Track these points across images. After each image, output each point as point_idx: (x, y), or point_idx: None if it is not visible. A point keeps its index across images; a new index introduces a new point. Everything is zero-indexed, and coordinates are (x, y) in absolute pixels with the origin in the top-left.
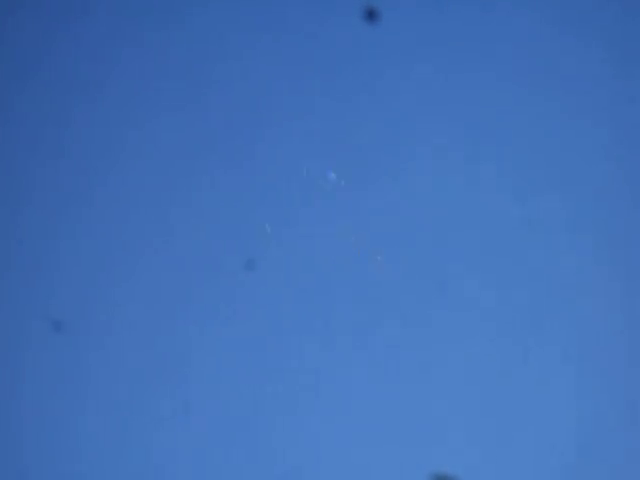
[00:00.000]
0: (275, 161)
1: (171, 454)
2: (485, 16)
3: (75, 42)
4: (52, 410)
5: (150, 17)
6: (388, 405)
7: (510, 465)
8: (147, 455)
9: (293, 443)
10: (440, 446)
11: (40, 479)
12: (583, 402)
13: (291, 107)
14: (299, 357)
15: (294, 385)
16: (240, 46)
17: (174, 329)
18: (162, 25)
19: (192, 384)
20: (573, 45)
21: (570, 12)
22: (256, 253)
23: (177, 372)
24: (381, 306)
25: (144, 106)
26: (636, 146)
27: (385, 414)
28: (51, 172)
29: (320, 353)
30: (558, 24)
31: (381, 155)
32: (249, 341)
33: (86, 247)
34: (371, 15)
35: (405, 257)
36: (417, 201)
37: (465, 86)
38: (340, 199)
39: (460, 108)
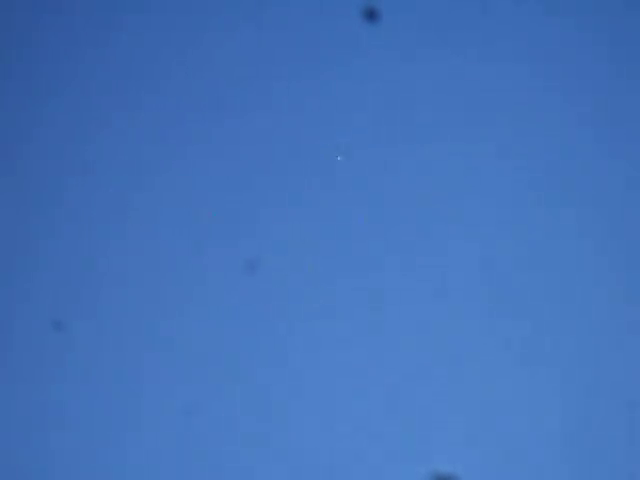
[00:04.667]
0: (275, 161)
1: (171, 454)
2: (485, 16)
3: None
4: (52, 409)
5: (152, 20)
6: (388, 405)
7: (509, 465)
8: (146, 455)
9: (293, 443)
10: (440, 446)
11: (38, 476)
12: (582, 402)
13: (291, 106)
14: (299, 357)
15: (294, 385)
16: (240, 46)
17: (174, 329)
18: (163, 26)
19: (193, 384)
20: (574, 48)
21: (570, 13)
22: (257, 254)
23: (177, 372)
24: (381, 306)
25: (144, 109)
26: (636, 145)
27: (385, 414)
28: (52, 174)
29: (320, 353)
30: (558, 25)
31: (381, 155)
32: (249, 341)
33: (87, 248)
34: (371, 15)
35: (405, 258)
36: (417, 198)
37: (465, 86)
38: (341, 197)
39: (460, 108)
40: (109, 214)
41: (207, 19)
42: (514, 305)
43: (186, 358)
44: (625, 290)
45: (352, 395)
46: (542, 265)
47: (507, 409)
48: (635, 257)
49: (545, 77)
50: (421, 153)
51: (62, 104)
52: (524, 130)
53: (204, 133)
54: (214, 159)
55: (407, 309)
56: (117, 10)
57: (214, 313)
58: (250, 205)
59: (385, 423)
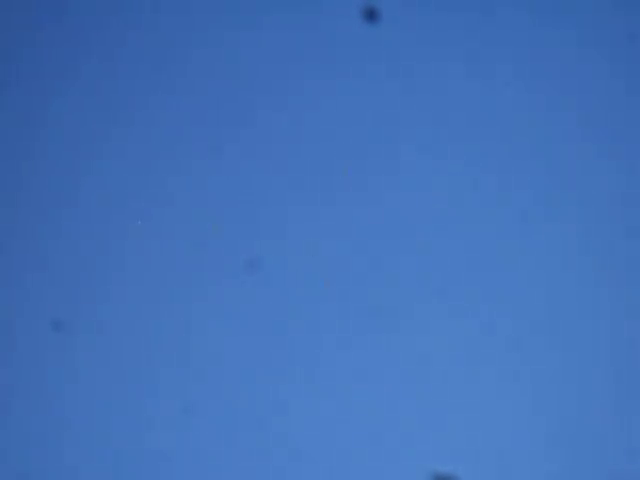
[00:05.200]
0: (275, 161)
1: (170, 454)
2: (485, 16)
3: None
4: (52, 409)
5: (153, 20)
6: (388, 405)
7: (509, 465)
8: (145, 454)
9: (292, 442)
10: (440, 446)
11: (38, 477)
12: (583, 402)
13: (291, 107)
14: (299, 357)
15: (294, 385)
16: (239, 45)
17: (174, 329)
18: (163, 27)
19: (192, 384)
20: (574, 48)
21: (570, 14)
22: (258, 253)
23: (177, 372)
24: (380, 307)
25: (147, 111)
26: (635, 148)
27: (385, 414)
28: (53, 173)
29: (321, 353)
30: (558, 26)
31: (381, 155)
32: (249, 341)
33: (86, 247)
34: (371, 15)
35: (405, 259)
36: (416, 202)
37: (464, 86)
38: (340, 198)
39: (460, 108)
40: (109, 214)
41: (206, 19)
42: (514, 305)
43: (186, 357)
44: (625, 290)
45: (352, 395)
46: (542, 265)
47: (507, 409)
48: (636, 257)
49: (547, 77)
50: (421, 153)
51: (64, 104)
52: (525, 130)
53: (203, 134)
54: (213, 159)
55: (407, 309)
56: (125, 11)
57: (214, 313)
58: (250, 205)
59: (385, 423)
